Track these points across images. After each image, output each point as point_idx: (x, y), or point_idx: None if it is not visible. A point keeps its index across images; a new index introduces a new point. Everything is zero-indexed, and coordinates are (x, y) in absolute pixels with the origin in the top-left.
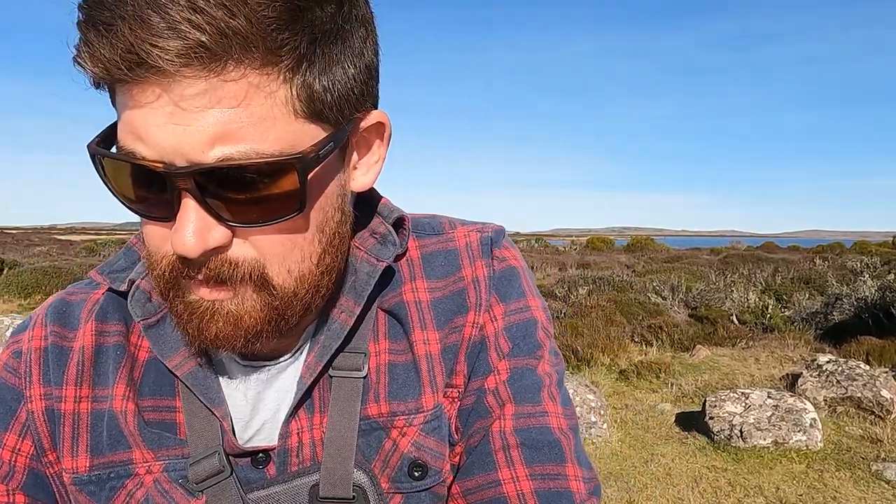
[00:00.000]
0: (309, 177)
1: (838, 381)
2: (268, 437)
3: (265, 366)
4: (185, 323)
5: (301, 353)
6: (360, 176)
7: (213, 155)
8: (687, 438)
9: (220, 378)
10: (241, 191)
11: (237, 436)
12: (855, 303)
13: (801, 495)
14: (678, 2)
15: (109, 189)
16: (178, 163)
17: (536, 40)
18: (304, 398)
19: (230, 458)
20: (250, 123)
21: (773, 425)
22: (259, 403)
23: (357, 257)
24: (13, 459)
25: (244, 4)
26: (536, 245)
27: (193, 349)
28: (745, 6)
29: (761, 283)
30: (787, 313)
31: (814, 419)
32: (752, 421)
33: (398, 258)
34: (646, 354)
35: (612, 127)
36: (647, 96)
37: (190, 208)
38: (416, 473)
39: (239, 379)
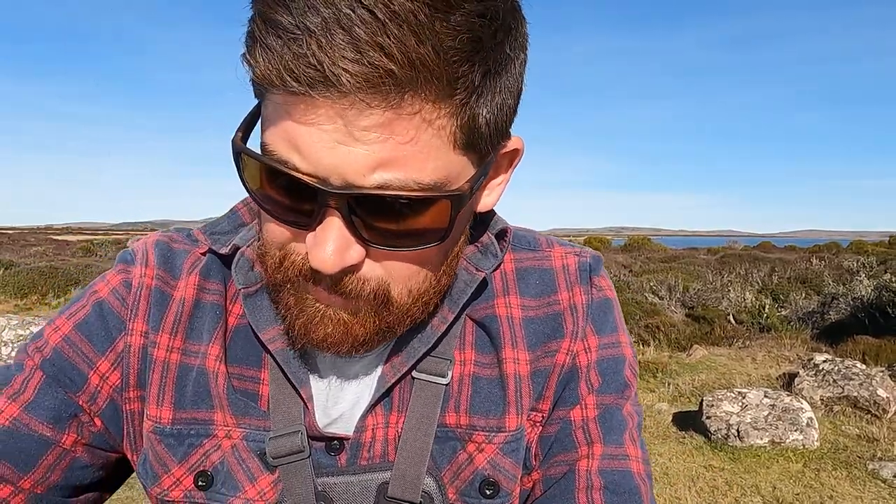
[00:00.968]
0: (454, 215)
1: (835, 381)
2: (343, 427)
3: (350, 358)
4: (292, 318)
5: (386, 351)
6: (485, 197)
7: (371, 180)
8: (684, 438)
9: (307, 361)
10: (390, 217)
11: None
12: (851, 302)
13: (797, 494)
14: (677, 2)
15: (245, 187)
16: (334, 182)
17: (535, 40)
18: (383, 395)
19: (309, 439)
20: (413, 153)
21: (770, 425)
22: (339, 393)
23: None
24: (100, 385)
25: (433, 33)
26: None
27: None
28: (744, 6)
29: (758, 283)
30: (783, 313)
31: (810, 418)
32: (749, 420)
33: (491, 272)
34: (643, 354)
35: (611, 127)
36: (645, 97)
37: (334, 226)
38: (487, 491)
39: (323, 366)
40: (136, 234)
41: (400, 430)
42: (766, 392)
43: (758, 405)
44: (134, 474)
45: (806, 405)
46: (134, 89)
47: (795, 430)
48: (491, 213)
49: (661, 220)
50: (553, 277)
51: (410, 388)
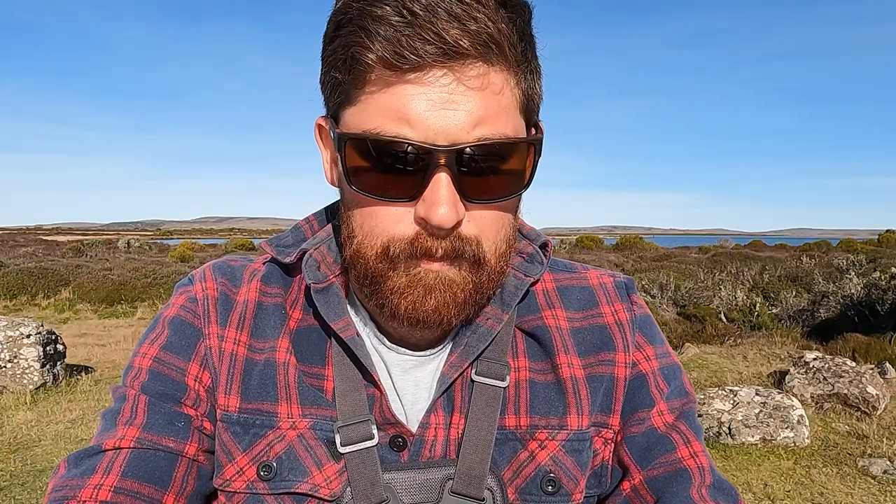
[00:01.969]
0: (536, 159)
1: (825, 378)
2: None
3: (409, 354)
4: (400, 297)
5: (443, 353)
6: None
7: (473, 135)
8: None
9: (373, 356)
10: (487, 168)
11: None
12: (841, 300)
13: (788, 491)
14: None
15: (348, 179)
16: (443, 142)
17: None
18: (444, 392)
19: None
20: (498, 112)
21: (761, 422)
22: (398, 391)
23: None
24: (197, 387)
25: (500, 17)
26: None
27: (397, 323)
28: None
29: (749, 282)
30: (774, 311)
31: (801, 416)
32: (741, 418)
33: (532, 284)
34: None
35: (599, 126)
36: (625, 94)
37: (444, 183)
38: (548, 488)
39: (383, 360)
40: (127, 234)
41: (461, 432)
42: (757, 390)
43: (749, 403)
44: None
45: (797, 403)
46: (109, 88)
47: (786, 428)
48: (532, 229)
49: (652, 219)
50: (593, 294)
51: (470, 391)
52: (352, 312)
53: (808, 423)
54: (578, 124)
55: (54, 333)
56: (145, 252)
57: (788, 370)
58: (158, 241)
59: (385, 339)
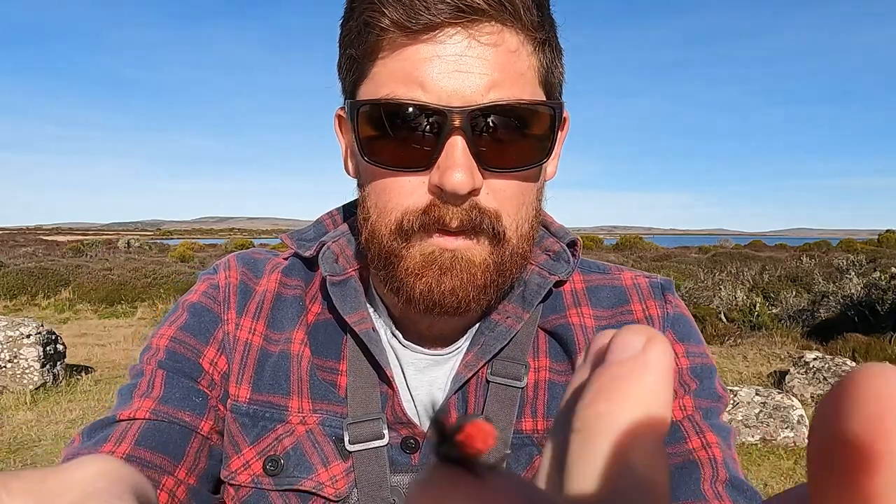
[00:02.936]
0: (555, 127)
1: (825, 378)
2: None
3: (424, 353)
4: (416, 278)
5: (458, 353)
6: (548, 165)
7: (488, 98)
8: None
9: (388, 352)
10: (503, 134)
11: None
12: (841, 300)
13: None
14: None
15: (360, 148)
16: (457, 103)
17: None
18: (458, 390)
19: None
20: (514, 77)
21: (762, 422)
22: (412, 390)
23: (528, 270)
24: (212, 371)
25: None
26: None
27: (413, 309)
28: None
29: (749, 282)
30: (774, 311)
31: (801, 416)
32: (741, 418)
33: (559, 284)
34: None
35: (599, 126)
36: (625, 94)
37: (459, 147)
38: None
39: (398, 358)
40: (127, 234)
41: None
42: (757, 390)
43: (749, 403)
44: None
45: (797, 402)
46: (110, 89)
47: (786, 428)
48: (560, 226)
49: (652, 219)
50: (625, 293)
51: (486, 391)
52: (369, 308)
53: (808, 423)
54: (578, 124)
55: (54, 333)
56: (145, 252)
57: (788, 370)
58: (158, 241)
59: (401, 336)
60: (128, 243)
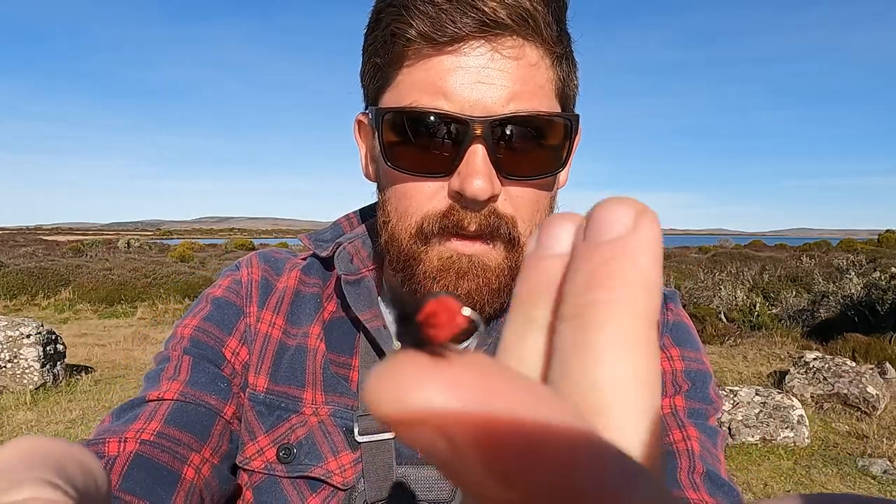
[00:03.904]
0: (571, 137)
1: (825, 378)
2: None
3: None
4: (433, 281)
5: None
6: (561, 175)
7: (508, 109)
8: None
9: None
10: (522, 144)
11: None
12: (841, 300)
13: (788, 491)
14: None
15: (384, 154)
16: (478, 113)
17: None
18: None
19: None
20: (534, 90)
21: (761, 422)
22: None
23: None
24: (233, 360)
25: (538, 1)
26: None
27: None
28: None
29: (749, 281)
30: (774, 311)
31: (801, 416)
32: (741, 418)
33: None
34: None
35: (599, 126)
36: (625, 94)
37: (479, 155)
38: None
39: None
40: (127, 234)
41: None
42: (757, 390)
43: (749, 403)
44: None
45: (797, 403)
46: (110, 88)
47: (786, 428)
48: None
49: None
50: None
51: None
52: (382, 307)
53: (808, 423)
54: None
55: (54, 333)
56: (145, 252)
57: (788, 370)
58: (158, 241)
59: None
60: (128, 243)
